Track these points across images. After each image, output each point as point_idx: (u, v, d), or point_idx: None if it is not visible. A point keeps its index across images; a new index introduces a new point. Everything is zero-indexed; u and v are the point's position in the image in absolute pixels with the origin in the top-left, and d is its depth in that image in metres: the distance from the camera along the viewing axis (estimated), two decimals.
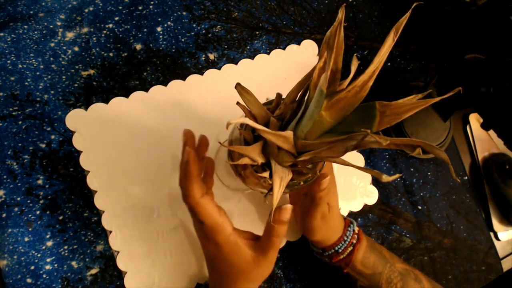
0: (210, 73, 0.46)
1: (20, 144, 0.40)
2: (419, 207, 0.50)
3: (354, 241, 0.38)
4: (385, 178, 0.20)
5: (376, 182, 0.49)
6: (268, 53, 0.49)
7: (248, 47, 0.49)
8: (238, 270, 0.31)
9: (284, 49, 0.50)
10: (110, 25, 0.46)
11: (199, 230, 0.32)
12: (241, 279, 0.32)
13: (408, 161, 0.52)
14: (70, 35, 0.44)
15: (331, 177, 0.36)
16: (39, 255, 0.39)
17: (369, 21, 0.55)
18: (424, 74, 0.55)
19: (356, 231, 0.38)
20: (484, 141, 0.57)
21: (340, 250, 0.37)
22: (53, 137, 0.41)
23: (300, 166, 0.27)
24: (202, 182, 0.30)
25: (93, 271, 0.39)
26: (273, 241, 0.31)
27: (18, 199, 0.39)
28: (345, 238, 0.37)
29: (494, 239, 0.53)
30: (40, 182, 0.40)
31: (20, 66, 0.42)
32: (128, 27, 0.46)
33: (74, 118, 0.41)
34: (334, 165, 0.47)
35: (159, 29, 0.47)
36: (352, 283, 0.41)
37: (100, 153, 0.41)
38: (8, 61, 0.42)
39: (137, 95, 0.43)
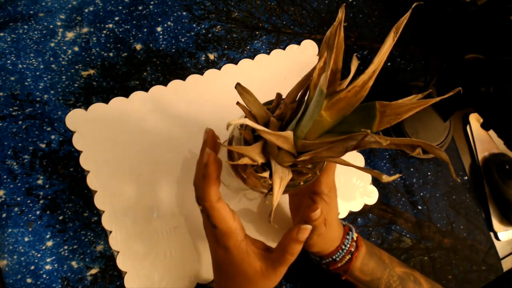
0: (210, 73, 0.46)
1: (20, 144, 0.40)
2: (419, 207, 0.50)
3: (353, 249, 0.37)
4: (385, 178, 0.20)
5: (376, 182, 0.49)
6: (268, 53, 0.49)
7: (248, 47, 0.49)
8: (245, 278, 0.31)
9: (284, 49, 0.50)
10: (110, 25, 0.46)
11: (210, 233, 0.31)
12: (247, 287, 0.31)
13: (408, 161, 0.52)
14: (70, 35, 0.44)
15: (330, 193, 0.35)
16: (39, 255, 0.39)
17: (369, 21, 0.55)
18: (424, 74, 0.55)
19: (355, 238, 0.38)
20: (484, 141, 0.57)
21: (338, 259, 0.37)
22: (53, 137, 0.41)
23: (300, 166, 0.27)
24: (218, 185, 0.30)
25: (93, 271, 0.39)
26: (287, 258, 0.30)
27: (18, 199, 0.39)
28: (343, 247, 0.37)
29: (494, 239, 0.53)
30: (40, 182, 0.40)
31: (20, 66, 0.42)
32: (128, 27, 0.46)
33: (74, 118, 0.41)
34: None
35: (159, 29, 0.47)
36: (352, 284, 0.41)
37: (100, 153, 0.41)
38: (8, 61, 0.42)
39: (137, 95, 0.43)
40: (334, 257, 0.37)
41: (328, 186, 0.35)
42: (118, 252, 0.39)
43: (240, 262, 0.30)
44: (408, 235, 0.49)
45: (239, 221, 0.31)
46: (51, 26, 0.44)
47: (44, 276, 0.38)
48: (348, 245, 0.37)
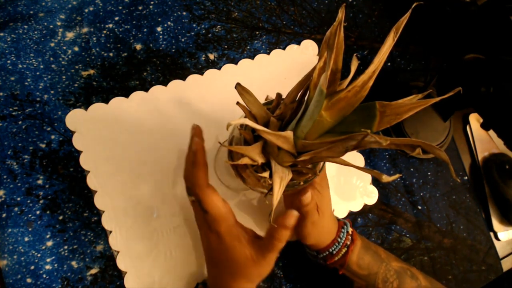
0: (210, 73, 0.46)
1: (20, 144, 0.40)
2: (419, 207, 0.50)
3: (348, 243, 0.37)
4: (385, 178, 0.20)
5: (376, 182, 0.49)
6: (268, 53, 0.49)
7: (248, 47, 0.49)
8: (237, 265, 0.31)
9: (284, 49, 0.50)
10: (110, 25, 0.46)
11: (202, 220, 0.32)
12: (240, 276, 0.32)
13: (408, 161, 0.52)
14: (70, 35, 0.44)
15: (321, 182, 0.36)
16: (39, 255, 0.39)
17: (369, 21, 0.55)
18: (424, 74, 0.55)
19: (350, 232, 0.38)
20: (484, 141, 0.57)
21: (334, 252, 0.37)
22: (53, 137, 0.41)
23: (300, 166, 0.27)
24: (207, 171, 0.31)
25: (93, 271, 0.39)
26: (274, 244, 0.30)
27: (18, 199, 0.39)
28: (339, 240, 0.37)
29: (494, 239, 0.53)
30: (40, 182, 0.40)
31: (20, 66, 0.42)
32: (128, 27, 0.46)
33: (74, 118, 0.41)
34: (334, 165, 0.47)
35: (159, 29, 0.47)
36: (351, 283, 0.41)
37: (100, 153, 0.41)
38: (8, 61, 0.42)
39: (137, 95, 0.43)
40: (330, 250, 0.37)
41: (319, 176, 0.35)
42: (118, 252, 0.39)
43: (232, 249, 0.31)
44: (408, 235, 0.49)
45: (229, 207, 0.32)
46: (51, 26, 0.44)
47: (44, 276, 0.38)
48: (344, 238, 0.37)
